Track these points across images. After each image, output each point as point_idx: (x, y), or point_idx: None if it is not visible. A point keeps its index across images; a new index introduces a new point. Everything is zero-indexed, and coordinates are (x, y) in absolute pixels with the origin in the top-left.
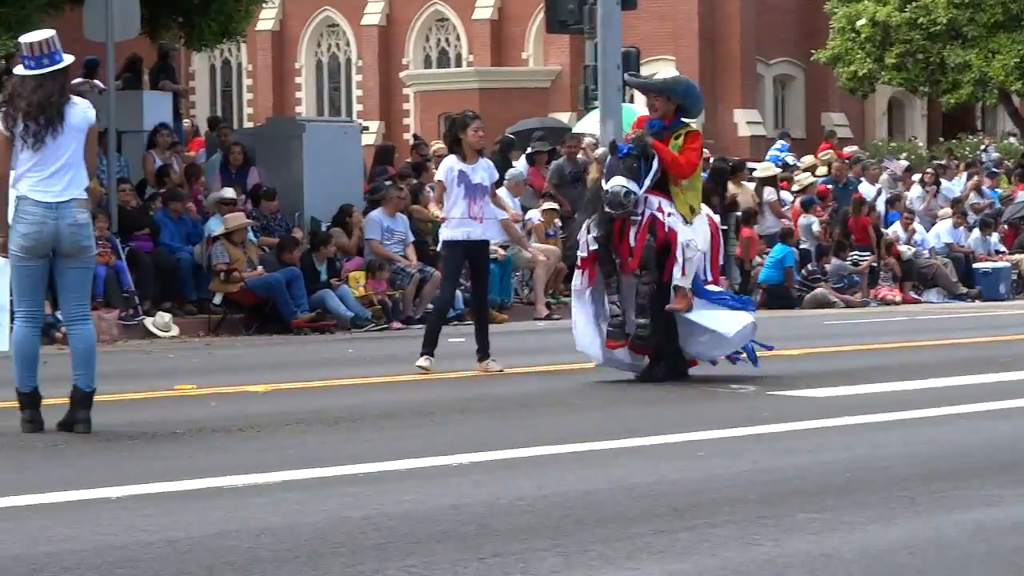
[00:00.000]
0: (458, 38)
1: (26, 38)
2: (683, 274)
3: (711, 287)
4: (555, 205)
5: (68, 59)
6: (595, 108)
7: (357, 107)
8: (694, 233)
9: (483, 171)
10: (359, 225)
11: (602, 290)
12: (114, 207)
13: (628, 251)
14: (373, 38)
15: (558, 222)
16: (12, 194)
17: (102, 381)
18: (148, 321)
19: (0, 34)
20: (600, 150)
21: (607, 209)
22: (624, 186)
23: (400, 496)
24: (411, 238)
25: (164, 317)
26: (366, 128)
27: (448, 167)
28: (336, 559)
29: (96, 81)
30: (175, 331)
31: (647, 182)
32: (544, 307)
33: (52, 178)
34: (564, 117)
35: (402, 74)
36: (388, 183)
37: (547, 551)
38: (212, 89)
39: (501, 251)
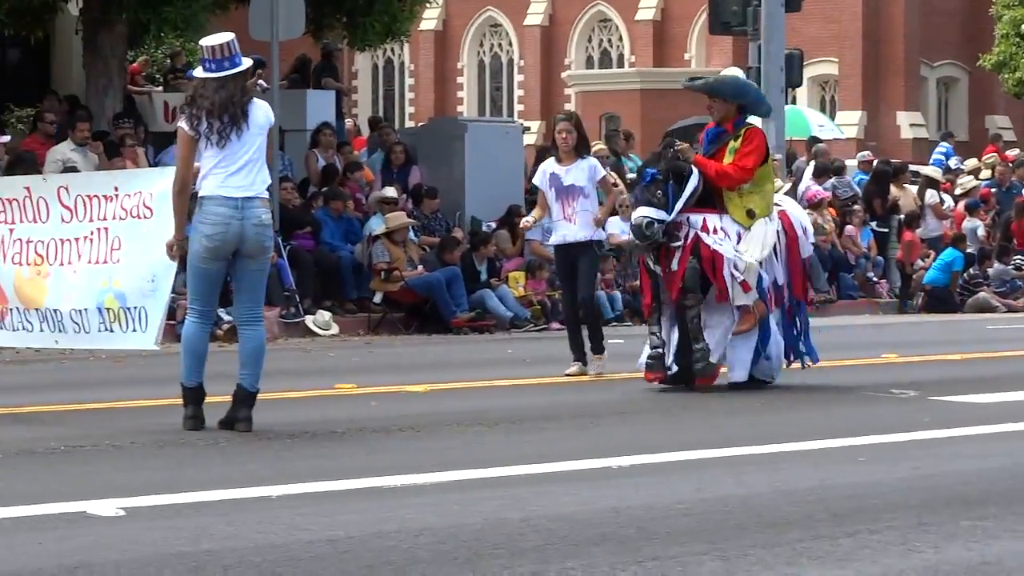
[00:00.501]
0: (620, 39)
1: (207, 41)
2: (744, 292)
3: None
4: None
5: (247, 62)
6: None
7: (518, 107)
8: (747, 243)
9: (579, 172)
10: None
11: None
12: (276, 205)
13: (672, 277)
14: (535, 38)
15: None
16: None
17: (263, 379)
18: (309, 319)
19: (166, 33)
20: None
21: (635, 240)
22: (646, 216)
23: (559, 498)
24: None
25: (324, 316)
26: (528, 128)
27: (541, 170)
28: (495, 560)
29: (260, 81)
30: (335, 330)
31: (679, 205)
32: None
33: (237, 175)
34: None
35: (564, 74)
36: None
37: (706, 555)
38: (374, 88)
39: None
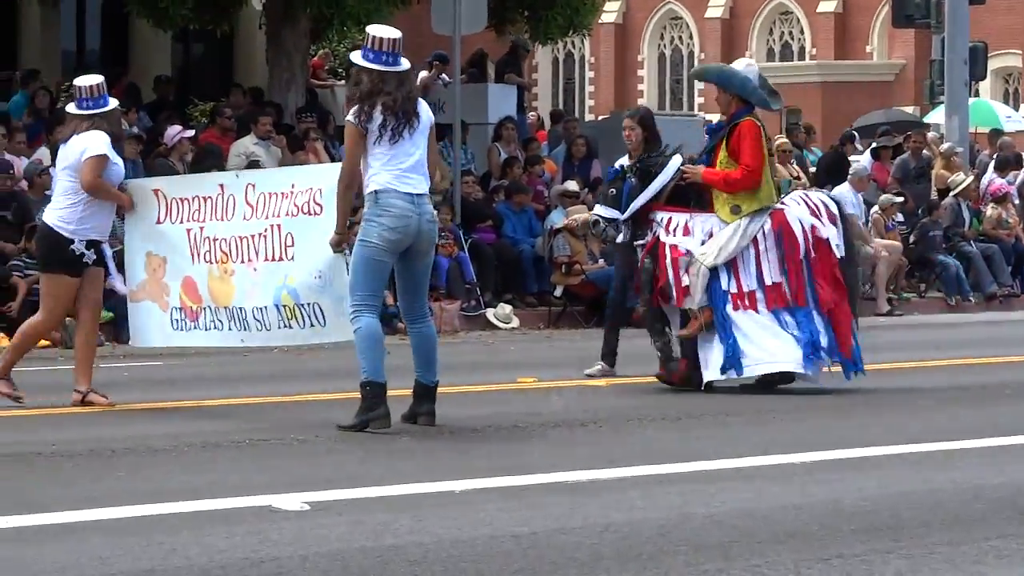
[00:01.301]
0: (802, 31)
1: (379, 32)
2: (687, 295)
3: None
4: (899, 199)
5: (406, 64)
6: (941, 103)
7: (698, 100)
8: (709, 245)
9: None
10: None
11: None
12: (458, 199)
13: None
14: (716, 31)
15: (899, 216)
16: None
17: (444, 372)
18: (489, 312)
19: (349, 27)
20: (945, 145)
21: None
22: (595, 215)
23: (742, 494)
24: None
25: (505, 309)
26: (709, 122)
27: (609, 168)
28: (678, 557)
29: (443, 75)
30: (516, 323)
31: (637, 203)
32: (885, 303)
33: (410, 171)
34: (907, 111)
35: None
36: None
37: (891, 553)
38: (554, 82)
39: None
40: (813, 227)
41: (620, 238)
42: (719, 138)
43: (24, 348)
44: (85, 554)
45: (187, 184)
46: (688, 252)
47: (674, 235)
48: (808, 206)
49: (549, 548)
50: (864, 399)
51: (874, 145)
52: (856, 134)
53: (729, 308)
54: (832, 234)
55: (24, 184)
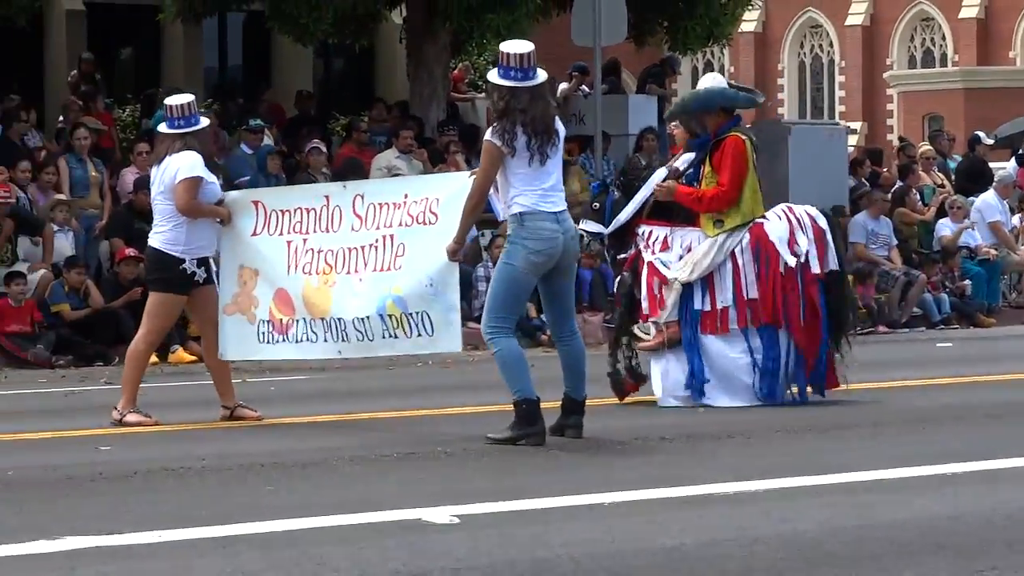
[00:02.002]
0: (943, 37)
1: (511, 48)
2: (660, 308)
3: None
4: None
5: (543, 75)
6: None
7: (840, 108)
8: (684, 261)
9: None
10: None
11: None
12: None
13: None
14: (857, 38)
15: None
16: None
17: (589, 384)
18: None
19: (489, 40)
20: None
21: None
22: (581, 229)
23: (894, 505)
24: (894, 241)
25: None
26: (853, 131)
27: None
28: (831, 569)
29: (584, 87)
30: None
31: (621, 217)
32: None
33: (551, 190)
34: None
35: (886, 74)
36: (870, 186)
37: None
38: None
39: (992, 252)
40: (792, 242)
41: None
42: (704, 153)
43: (137, 375)
44: (236, 568)
45: (289, 196)
46: (667, 267)
47: (653, 250)
48: (789, 220)
49: (699, 561)
50: (1018, 408)
51: (1020, 152)
52: (981, 135)
53: (699, 330)
54: (811, 249)
55: None
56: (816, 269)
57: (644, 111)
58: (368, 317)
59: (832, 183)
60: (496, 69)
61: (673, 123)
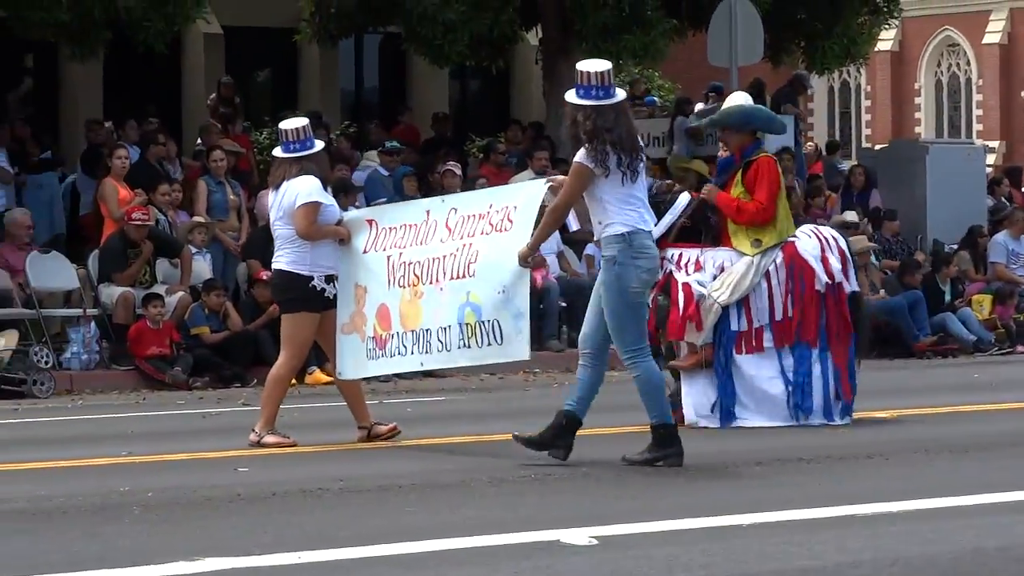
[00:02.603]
0: None
1: (586, 67)
2: (697, 330)
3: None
4: None
5: (622, 93)
6: None
7: (977, 127)
8: (721, 282)
9: None
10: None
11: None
12: None
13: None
14: (994, 56)
15: None
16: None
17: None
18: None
19: (625, 60)
20: None
21: None
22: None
23: None
24: None
25: None
26: (991, 150)
27: None
28: None
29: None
30: None
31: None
32: None
33: (646, 208)
34: None
35: (1023, 92)
36: (1013, 205)
37: None
38: (830, 111)
39: None
40: (825, 260)
41: None
42: (731, 173)
43: (278, 397)
44: None
45: (399, 212)
46: (703, 287)
47: (686, 271)
48: (819, 239)
49: None
50: None
51: None
52: None
53: (734, 351)
54: (840, 270)
55: None
56: (848, 288)
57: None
58: (449, 327)
59: (970, 203)
60: (574, 90)
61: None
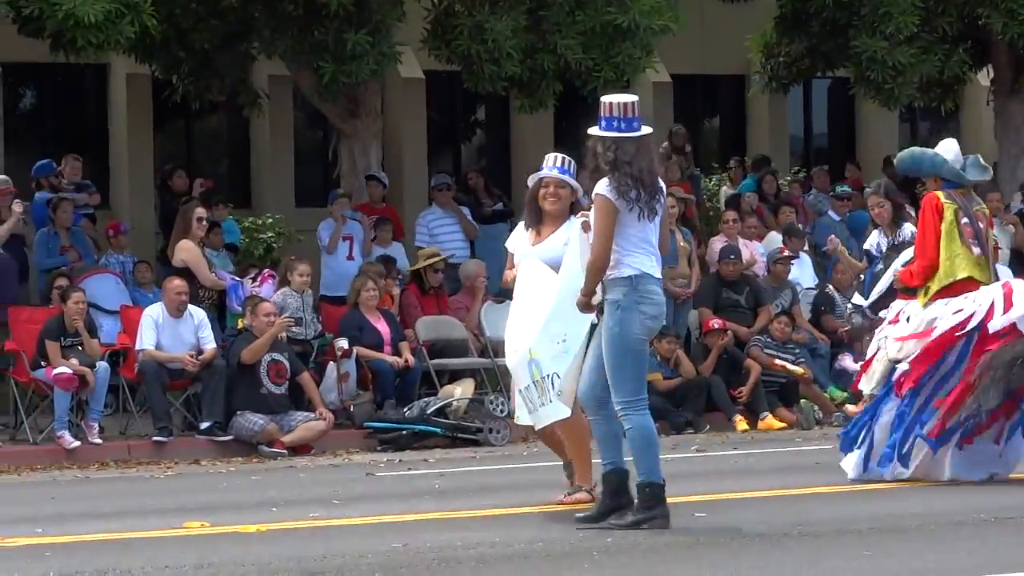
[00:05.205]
0: None
1: (610, 98)
2: (866, 378)
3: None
4: None
5: (648, 129)
6: None
7: None
8: (904, 327)
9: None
10: None
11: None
12: None
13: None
14: None
15: None
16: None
17: None
18: None
19: None
20: None
21: None
22: (852, 303)
23: None
24: None
25: None
26: None
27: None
28: None
29: None
30: None
31: (872, 295)
32: None
33: (655, 252)
34: None
35: None
36: None
37: None
38: None
39: None
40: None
41: None
42: None
43: (585, 443)
44: None
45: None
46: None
47: (896, 323)
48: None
49: None
50: None
51: None
52: None
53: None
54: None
55: (761, 268)
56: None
57: None
58: (528, 387)
59: None
60: (599, 121)
61: (875, 201)
